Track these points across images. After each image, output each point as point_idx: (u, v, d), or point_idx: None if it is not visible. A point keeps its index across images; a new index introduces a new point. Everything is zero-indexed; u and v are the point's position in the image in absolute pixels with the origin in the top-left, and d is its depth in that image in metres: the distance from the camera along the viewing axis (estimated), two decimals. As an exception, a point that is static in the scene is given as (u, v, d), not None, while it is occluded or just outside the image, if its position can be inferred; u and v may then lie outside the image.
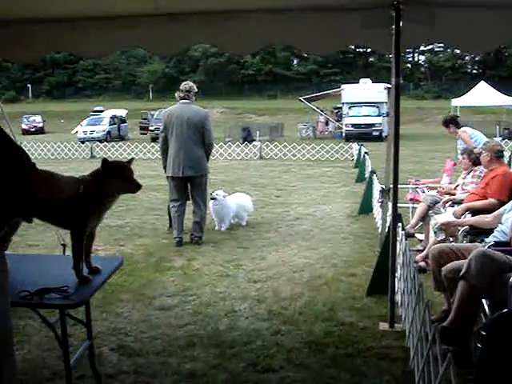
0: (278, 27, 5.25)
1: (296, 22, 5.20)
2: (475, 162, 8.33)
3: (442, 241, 6.77)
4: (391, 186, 5.76)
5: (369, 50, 75.98)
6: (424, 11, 4.97)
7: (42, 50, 5.73)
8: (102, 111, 54.18)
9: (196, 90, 9.37)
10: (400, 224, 6.00)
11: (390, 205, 6.62)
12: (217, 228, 10.38)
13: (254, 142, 30.59)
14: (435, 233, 6.71)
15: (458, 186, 8.69)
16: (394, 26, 5.09)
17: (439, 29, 5.00)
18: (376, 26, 5.13)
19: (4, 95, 65.16)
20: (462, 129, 11.03)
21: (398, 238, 5.84)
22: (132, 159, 4.01)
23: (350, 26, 5.17)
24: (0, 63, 63.89)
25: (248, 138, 35.68)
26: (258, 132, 35.59)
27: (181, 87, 9.30)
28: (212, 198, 10.23)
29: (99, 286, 3.91)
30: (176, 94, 9.38)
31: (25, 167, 2.97)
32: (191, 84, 9.37)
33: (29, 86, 79.15)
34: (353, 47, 68.57)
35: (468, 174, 8.51)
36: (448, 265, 5.16)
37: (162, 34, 5.33)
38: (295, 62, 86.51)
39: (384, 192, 6.74)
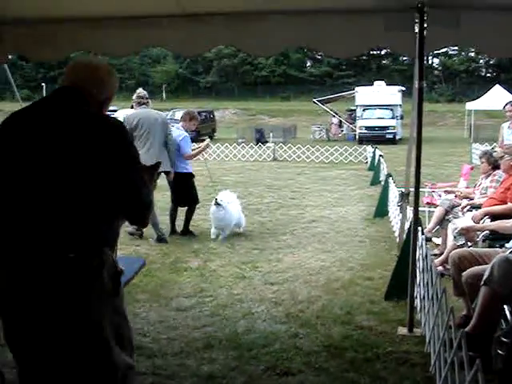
0: (301, 29, 5.23)
1: (319, 24, 5.19)
2: (494, 165, 8.27)
3: (462, 246, 6.74)
4: (411, 189, 5.72)
5: (383, 52, 75.92)
6: (449, 14, 4.93)
7: (66, 49, 5.73)
8: (115, 111, 54.18)
9: None
10: (420, 228, 5.96)
11: (408, 208, 6.60)
12: (213, 237, 9.72)
13: (268, 144, 30.52)
14: (455, 237, 6.67)
15: (476, 189, 8.62)
16: (417, 29, 5.05)
17: (464, 32, 4.95)
18: (399, 29, 5.09)
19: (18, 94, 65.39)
20: None
21: (418, 243, 5.80)
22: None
23: (373, 28, 5.14)
24: (15, 62, 64.20)
25: (261, 139, 35.62)
26: (271, 133, 35.53)
27: (140, 95, 9.86)
28: (217, 204, 9.71)
29: (123, 286, 3.89)
30: (134, 103, 9.94)
31: (132, 209, 2.90)
32: (145, 91, 10.03)
33: (43, 84, 79.47)
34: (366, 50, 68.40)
35: (487, 177, 8.44)
36: (469, 270, 5.12)
37: (184, 35, 5.34)
38: (308, 63, 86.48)
39: (403, 195, 6.70)
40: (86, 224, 2.73)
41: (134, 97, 9.87)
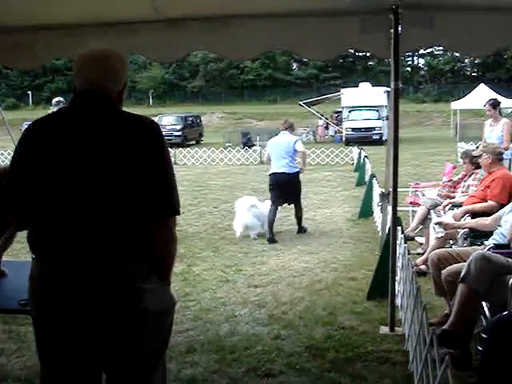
0: (277, 32, 5.26)
1: (295, 27, 5.21)
2: (478, 165, 8.33)
3: (442, 242, 6.80)
4: (391, 189, 5.76)
5: (368, 53, 76.18)
6: (422, 15, 4.97)
7: (43, 57, 5.73)
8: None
9: None
10: (399, 227, 6.00)
11: (389, 208, 6.64)
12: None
13: (254, 147, 30.55)
14: (434, 229, 6.70)
15: (457, 188, 8.67)
16: (392, 30, 5.09)
17: (438, 32, 5.00)
18: (375, 31, 5.14)
19: (4, 102, 65.02)
20: (506, 119, 11.00)
21: (398, 241, 5.84)
22: None
23: (349, 30, 5.18)
24: (0, 70, 63.95)
25: (248, 142, 35.63)
26: (257, 137, 35.56)
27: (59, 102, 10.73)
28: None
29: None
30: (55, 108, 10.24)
31: (164, 209, 2.76)
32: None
33: (29, 92, 79.17)
34: (352, 51, 68.60)
35: (469, 176, 8.47)
36: (448, 268, 5.17)
37: (161, 41, 5.35)
38: (295, 66, 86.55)
39: (383, 195, 6.73)
40: (132, 227, 2.74)
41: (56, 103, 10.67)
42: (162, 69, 79.36)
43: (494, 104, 10.71)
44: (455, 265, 5.18)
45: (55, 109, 10.19)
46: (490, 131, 10.64)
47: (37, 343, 2.90)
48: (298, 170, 10.56)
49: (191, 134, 40.88)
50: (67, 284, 2.69)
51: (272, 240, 9.79)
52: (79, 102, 2.82)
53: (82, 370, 2.84)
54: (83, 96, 2.81)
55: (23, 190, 2.77)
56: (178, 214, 2.79)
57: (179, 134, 38.60)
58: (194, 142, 40.44)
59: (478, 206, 7.06)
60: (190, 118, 43.13)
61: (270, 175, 10.53)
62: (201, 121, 46.38)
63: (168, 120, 39.81)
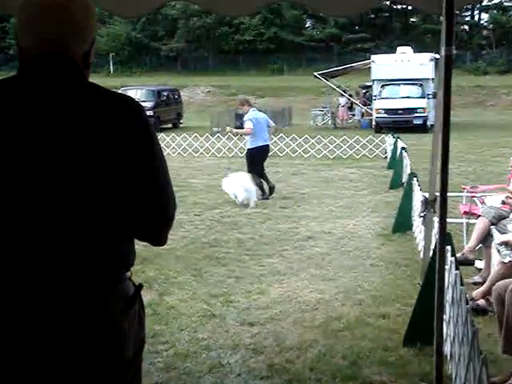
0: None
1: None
2: None
3: (509, 269, 6.77)
4: (437, 194, 5.75)
5: (409, 7, 76.26)
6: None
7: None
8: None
9: None
10: (449, 247, 5.98)
11: (435, 220, 6.63)
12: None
13: (252, 133, 30.54)
14: (499, 251, 6.69)
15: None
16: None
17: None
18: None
19: None
20: None
21: (447, 266, 5.83)
22: None
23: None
24: None
25: (243, 127, 35.62)
26: (257, 119, 35.64)
27: None
28: None
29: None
30: None
31: (156, 222, 2.81)
32: None
33: None
34: (388, 3, 68.67)
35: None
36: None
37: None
38: (309, 24, 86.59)
39: (427, 203, 6.73)
40: (106, 243, 2.71)
41: None
42: (126, 24, 79.24)
43: None
44: None
45: None
46: None
47: None
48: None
49: (167, 114, 40.97)
50: (17, 317, 2.63)
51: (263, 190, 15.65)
52: (31, 70, 2.71)
53: None
54: (37, 62, 2.69)
55: None
56: (171, 205, 2.85)
57: (150, 113, 38.59)
58: (170, 126, 40.51)
59: None
60: (165, 93, 43.23)
61: (259, 147, 15.90)
62: (180, 96, 46.51)
63: (135, 94, 39.68)
